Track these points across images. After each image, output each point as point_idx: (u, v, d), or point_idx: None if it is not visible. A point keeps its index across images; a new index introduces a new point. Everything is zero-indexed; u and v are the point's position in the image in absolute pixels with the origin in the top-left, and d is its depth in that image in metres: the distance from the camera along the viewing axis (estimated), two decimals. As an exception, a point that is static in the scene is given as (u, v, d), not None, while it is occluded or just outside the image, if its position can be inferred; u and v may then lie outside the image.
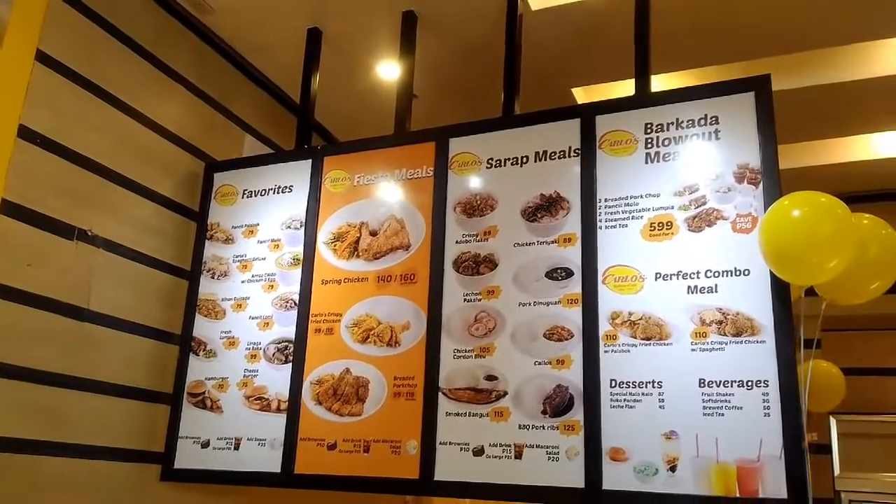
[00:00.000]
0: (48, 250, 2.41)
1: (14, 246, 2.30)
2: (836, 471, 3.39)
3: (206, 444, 2.77)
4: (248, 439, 2.70)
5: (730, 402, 2.08)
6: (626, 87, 3.16)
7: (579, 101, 3.54)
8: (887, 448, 3.65)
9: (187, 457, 2.79)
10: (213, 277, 2.96)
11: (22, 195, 2.31)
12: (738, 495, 2.01)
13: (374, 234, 2.71)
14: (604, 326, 2.27)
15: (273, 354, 2.75)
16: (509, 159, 2.59)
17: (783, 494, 1.95)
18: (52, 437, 2.38)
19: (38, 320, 2.37)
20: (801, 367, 2.10)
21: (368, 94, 3.66)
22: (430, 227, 2.62)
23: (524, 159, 2.56)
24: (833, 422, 3.48)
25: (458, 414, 2.40)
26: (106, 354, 2.62)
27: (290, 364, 2.70)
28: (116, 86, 2.72)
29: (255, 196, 3.01)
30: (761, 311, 2.12)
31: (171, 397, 2.87)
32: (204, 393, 2.83)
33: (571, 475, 2.20)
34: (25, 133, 2.32)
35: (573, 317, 2.32)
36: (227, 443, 2.73)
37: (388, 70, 3.47)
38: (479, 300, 2.47)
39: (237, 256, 2.95)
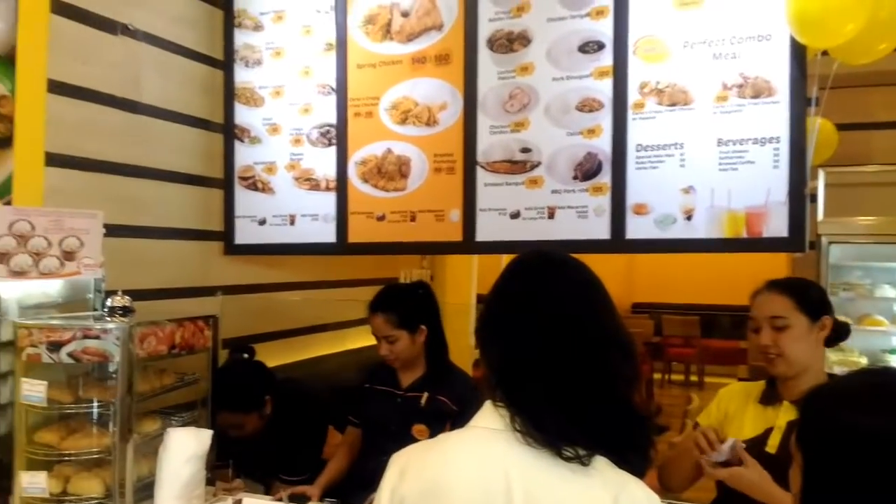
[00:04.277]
0: (98, 46, 2.49)
1: (68, 44, 2.37)
2: (820, 217, 3.81)
3: (262, 222, 3.06)
4: (301, 215, 2.98)
5: (743, 157, 2.35)
6: None
7: None
8: (866, 195, 4.04)
9: (246, 233, 3.09)
10: (246, 66, 3.04)
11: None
12: (745, 236, 2.35)
13: (405, 14, 2.76)
14: (633, 96, 2.45)
15: (316, 138, 2.94)
16: (539, -72, 2.57)
17: (784, 234, 2.30)
18: (133, 222, 2.65)
19: (99, 115, 2.51)
20: (809, 123, 2.34)
21: None
22: (462, 4, 2.67)
23: (555, -72, 2.55)
24: (821, 173, 3.82)
25: (495, 184, 2.66)
26: (160, 144, 2.80)
27: (335, 147, 2.90)
28: None
29: (278, -20, 2.99)
30: (778, 74, 2.30)
31: (222, 182, 3.10)
32: (253, 176, 3.06)
33: (599, 229, 2.53)
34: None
35: (604, 88, 2.49)
36: (282, 219, 3.02)
37: None
38: (514, 77, 2.61)
39: (269, 43, 3.00)
